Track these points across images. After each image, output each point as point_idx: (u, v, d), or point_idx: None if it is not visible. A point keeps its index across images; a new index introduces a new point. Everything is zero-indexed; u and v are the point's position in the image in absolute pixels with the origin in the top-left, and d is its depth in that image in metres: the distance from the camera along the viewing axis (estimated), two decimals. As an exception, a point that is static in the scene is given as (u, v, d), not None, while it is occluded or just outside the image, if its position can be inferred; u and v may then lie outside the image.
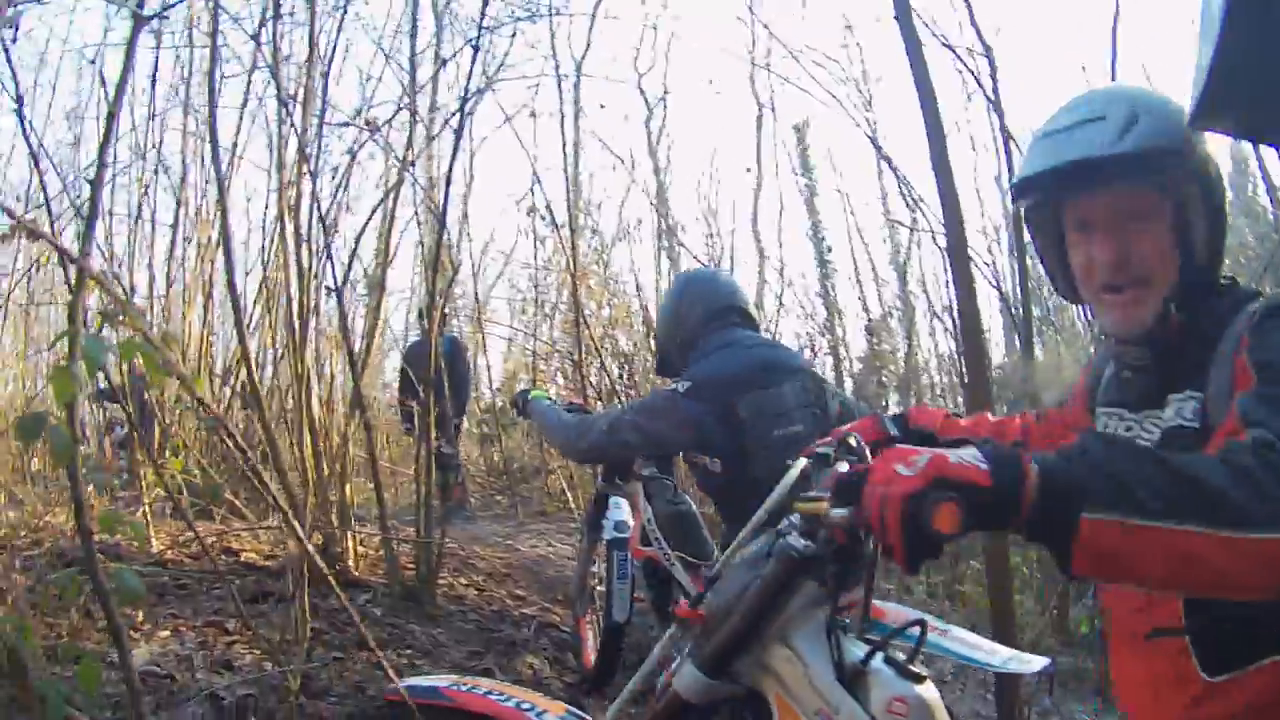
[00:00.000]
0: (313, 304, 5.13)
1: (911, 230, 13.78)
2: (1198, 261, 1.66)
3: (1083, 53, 33.71)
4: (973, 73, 7.19)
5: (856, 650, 1.72)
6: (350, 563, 4.87)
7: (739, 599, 1.77)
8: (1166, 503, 1.23)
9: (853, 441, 2.09)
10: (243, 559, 4.76)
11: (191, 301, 6.77)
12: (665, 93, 14.82)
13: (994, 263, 12.74)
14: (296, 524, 2.85)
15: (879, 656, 1.70)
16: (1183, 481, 1.25)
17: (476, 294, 10.06)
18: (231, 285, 4.63)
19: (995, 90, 7.17)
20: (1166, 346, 1.69)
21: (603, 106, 25.64)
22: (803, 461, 2.09)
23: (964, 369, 6.65)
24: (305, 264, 5.01)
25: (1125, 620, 1.75)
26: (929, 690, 1.68)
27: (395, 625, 4.48)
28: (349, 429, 5.48)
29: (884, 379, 13.11)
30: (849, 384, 12.41)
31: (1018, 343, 10.79)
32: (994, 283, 9.88)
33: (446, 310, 8.42)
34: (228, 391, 6.22)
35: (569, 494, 8.29)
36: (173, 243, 6.90)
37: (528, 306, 11.96)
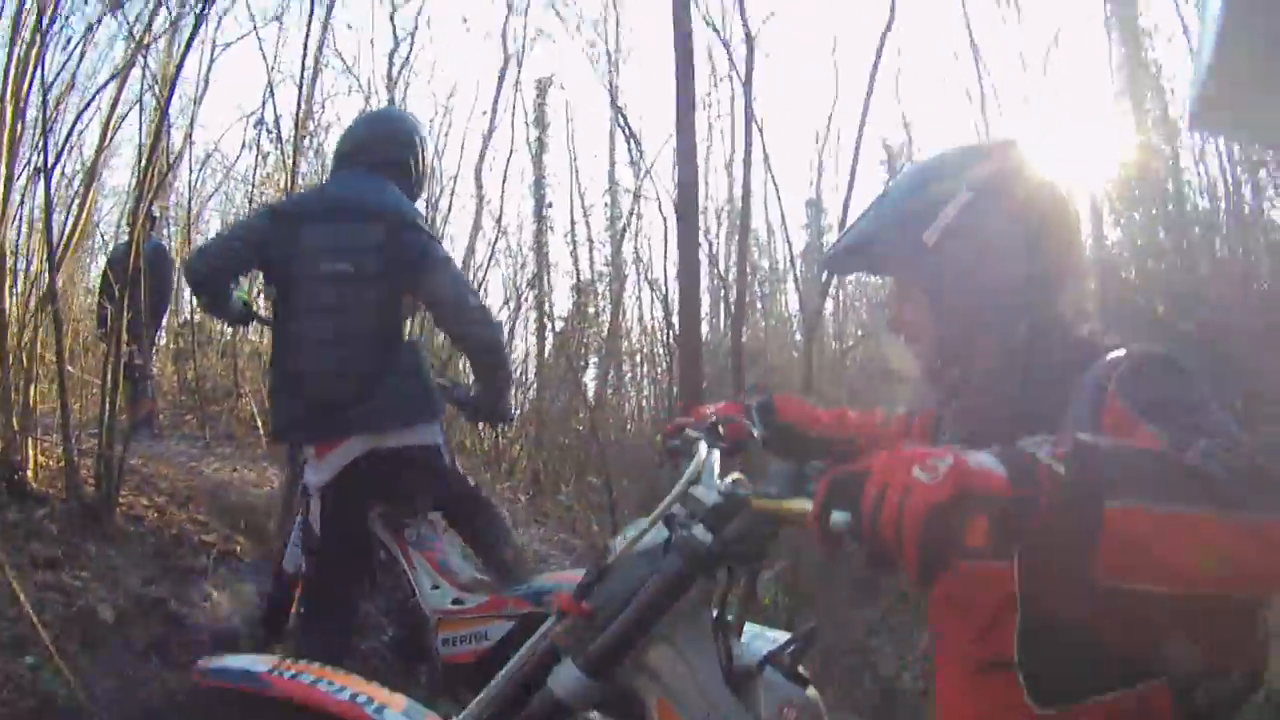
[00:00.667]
0: (18, 181, 4.97)
1: (636, 197, 14.23)
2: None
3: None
4: (731, 58, 7.42)
5: (746, 654, 1.71)
6: (30, 473, 4.77)
7: (632, 594, 1.65)
8: (1179, 490, 1.23)
9: (721, 430, 2.13)
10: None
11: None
12: (415, 29, 14.55)
13: (712, 244, 13.35)
14: None
15: (768, 661, 1.70)
16: (1183, 470, 1.26)
17: (190, 204, 9.71)
18: None
19: (749, 76, 7.40)
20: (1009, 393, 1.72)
21: (350, 27, 24.75)
22: (704, 450, 1.85)
23: (678, 335, 6.98)
24: (16, 136, 4.82)
25: (959, 650, 1.73)
26: (814, 695, 1.72)
27: (72, 544, 4.43)
28: (39, 326, 5.31)
29: (586, 340, 13.48)
30: (549, 340, 12.66)
31: (724, 321, 11.27)
32: (712, 260, 10.38)
33: (156, 215, 8.18)
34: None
35: (259, 419, 8.23)
36: None
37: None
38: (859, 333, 16.33)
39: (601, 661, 1.65)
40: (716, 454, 1.94)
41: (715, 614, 1.70)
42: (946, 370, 1.80)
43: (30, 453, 4.81)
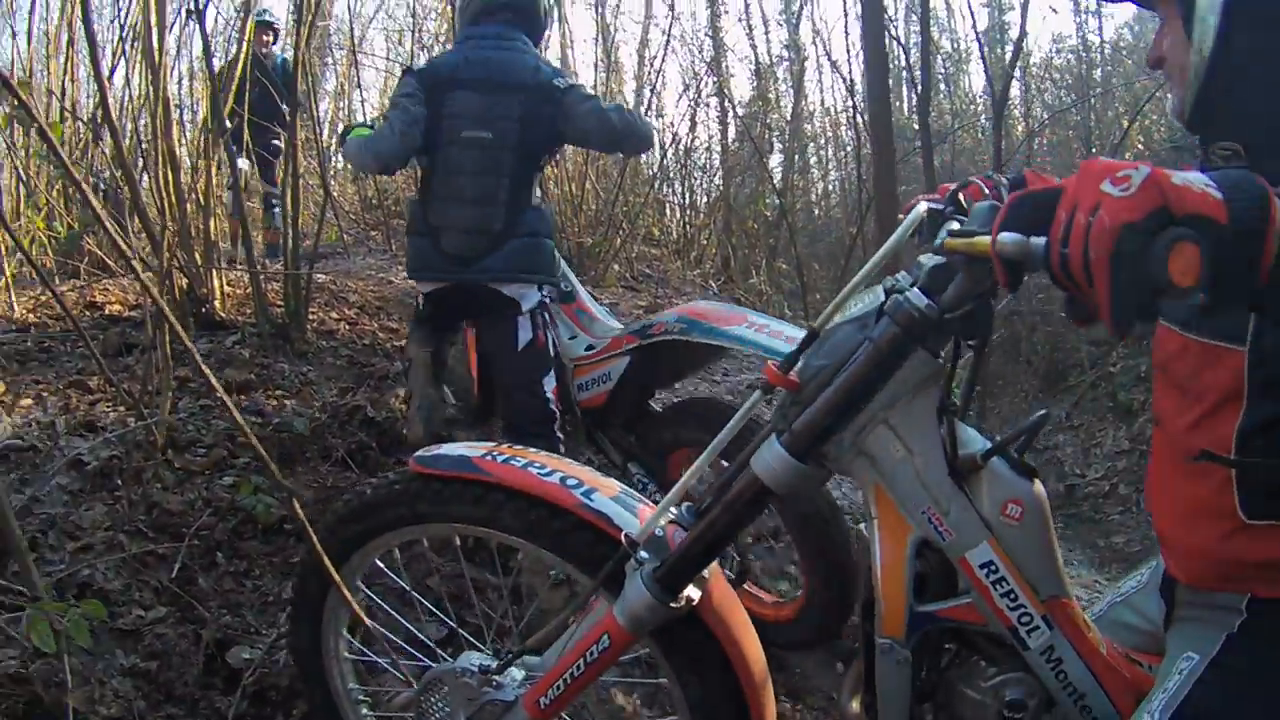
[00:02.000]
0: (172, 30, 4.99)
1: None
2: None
3: None
4: None
5: (970, 441, 1.56)
6: (217, 303, 4.90)
7: (842, 366, 1.53)
8: None
9: (963, 200, 1.88)
10: (108, 312, 4.76)
11: (54, 53, 6.48)
12: None
13: (893, 20, 12.61)
14: (141, 267, 2.86)
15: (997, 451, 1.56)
16: None
17: (352, 27, 9.62)
18: (87, 22, 4.42)
19: None
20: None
21: None
22: (923, 206, 1.68)
23: (869, 117, 6.67)
24: None
25: (1174, 436, 1.53)
26: (1040, 488, 1.56)
27: (264, 365, 4.57)
28: (212, 162, 5.39)
29: (770, 123, 12.97)
30: (733, 126, 12.27)
31: (912, 101, 10.70)
32: (895, 38, 9.80)
33: (278, 27, 8.07)
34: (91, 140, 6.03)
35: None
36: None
37: (405, 38, 11.54)
38: (1044, 115, 15.43)
39: (807, 440, 1.55)
40: (950, 219, 1.68)
41: (940, 397, 1.54)
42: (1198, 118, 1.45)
43: (216, 284, 4.92)
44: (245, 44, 5.31)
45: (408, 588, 2.31)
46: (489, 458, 1.98)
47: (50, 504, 3.09)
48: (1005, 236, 1.14)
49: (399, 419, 4.33)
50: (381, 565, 2.26)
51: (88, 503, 3.16)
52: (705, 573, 1.73)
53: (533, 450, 2.03)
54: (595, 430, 3.94)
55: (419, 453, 2.07)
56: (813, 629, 3.40)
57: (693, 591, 1.72)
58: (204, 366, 2.54)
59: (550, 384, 3.68)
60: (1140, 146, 14.41)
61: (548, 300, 3.77)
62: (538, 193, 3.79)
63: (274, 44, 7.57)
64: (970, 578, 1.55)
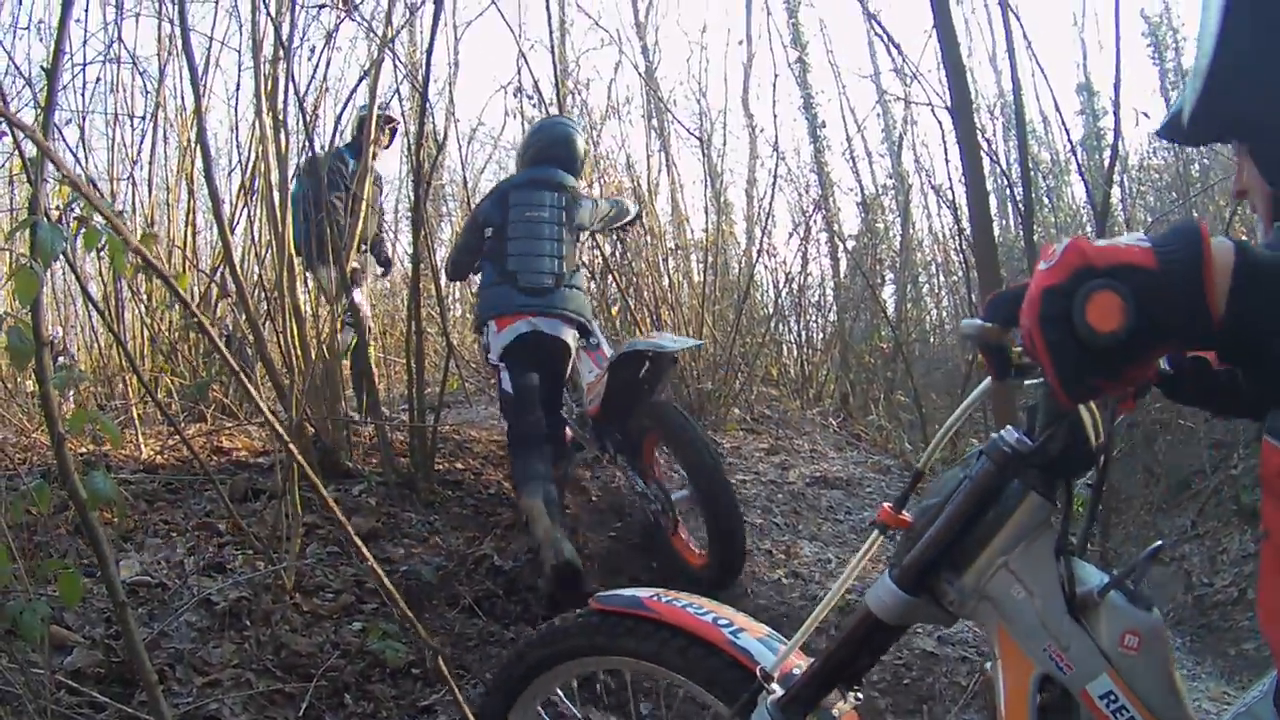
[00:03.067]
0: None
1: (907, 103, 13.69)
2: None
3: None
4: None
5: (1087, 578, 1.57)
6: (343, 453, 4.88)
7: (945, 503, 1.61)
8: None
9: None
10: (234, 458, 4.76)
11: (175, 202, 6.71)
12: (655, -34, 14.54)
13: (990, 140, 12.75)
14: (273, 419, 2.83)
15: (1108, 584, 1.54)
16: None
17: (465, 179, 9.85)
18: (209, 177, 4.55)
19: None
20: None
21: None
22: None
23: (972, 237, 6.63)
24: (284, 149, 4.92)
25: (1275, 543, 1.38)
26: (1158, 618, 1.55)
27: (391, 514, 4.51)
28: (338, 318, 5.46)
29: (880, 255, 13.05)
30: (844, 260, 12.33)
31: (1017, 219, 10.71)
32: (992, 158, 9.85)
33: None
34: (215, 291, 6.17)
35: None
36: (152, 144, 6.79)
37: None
38: (1148, 219, 15.39)
39: (915, 573, 1.62)
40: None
41: (1056, 538, 1.57)
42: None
43: (341, 435, 4.90)
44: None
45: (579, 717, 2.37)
46: (656, 598, 2.15)
47: (179, 640, 3.04)
48: (965, 322, 1.31)
49: (524, 567, 4.24)
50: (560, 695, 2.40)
51: (216, 640, 3.10)
52: (835, 711, 1.79)
53: (692, 595, 2.20)
54: (600, 432, 5.01)
55: (600, 593, 2.24)
56: (716, 571, 4.47)
57: None
58: (335, 508, 2.50)
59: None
60: (1244, 235, 14.16)
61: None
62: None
63: (390, 143, 7.42)
64: (1091, 708, 1.53)
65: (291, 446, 2.64)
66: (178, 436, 3.88)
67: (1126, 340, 1.01)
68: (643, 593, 2.20)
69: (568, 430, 5.16)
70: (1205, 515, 9.80)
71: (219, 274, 5.85)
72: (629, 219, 5.78)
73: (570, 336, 4.90)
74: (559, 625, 2.26)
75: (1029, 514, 1.57)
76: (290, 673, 3.05)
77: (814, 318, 11.53)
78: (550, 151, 5.15)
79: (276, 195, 4.68)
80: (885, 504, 1.71)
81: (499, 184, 5.29)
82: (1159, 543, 1.70)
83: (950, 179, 12.83)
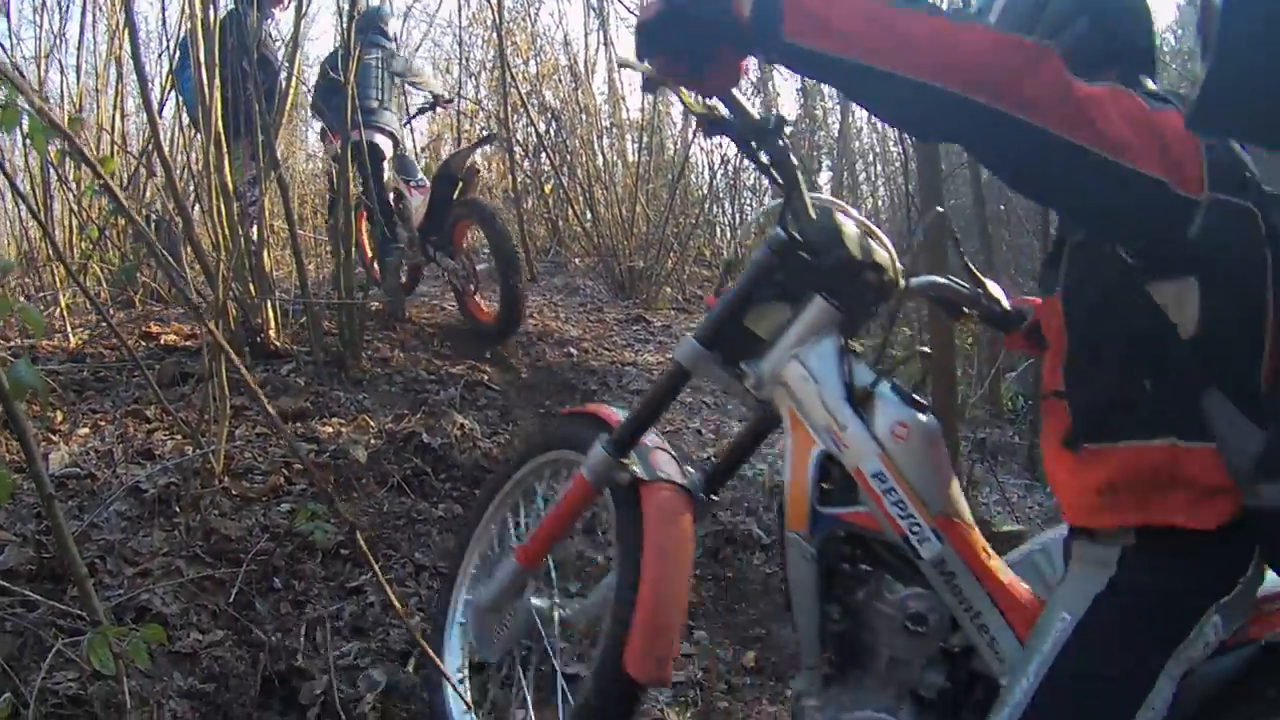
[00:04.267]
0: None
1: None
2: None
3: None
4: None
5: (865, 375, 1.96)
6: (272, 333, 4.91)
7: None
8: None
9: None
10: (163, 342, 4.77)
11: (103, 87, 6.59)
12: None
13: None
14: (191, 301, 2.86)
15: (886, 383, 1.94)
16: None
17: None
18: (136, 57, 4.44)
19: None
20: None
21: None
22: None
23: None
24: (214, 24, 4.80)
25: (1044, 380, 1.82)
26: (929, 419, 1.91)
27: (319, 393, 4.57)
28: (266, 192, 5.43)
29: (818, 141, 13.08)
30: None
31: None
32: None
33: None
34: (143, 175, 6.08)
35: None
36: (80, 29, 6.68)
37: (452, 66, 11.61)
38: None
39: (711, 332, 2.10)
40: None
41: (841, 340, 1.98)
42: None
43: (270, 315, 4.92)
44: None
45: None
46: (603, 405, 2.54)
47: (109, 531, 3.10)
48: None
49: (454, 445, 4.33)
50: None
51: (146, 529, 3.17)
52: (661, 469, 2.23)
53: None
54: (425, 241, 6.23)
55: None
56: (502, 324, 5.75)
57: (638, 467, 2.21)
58: (257, 388, 2.56)
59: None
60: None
61: None
62: None
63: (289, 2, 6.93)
64: (865, 486, 1.86)
65: (211, 326, 2.68)
66: (106, 323, 3.88)
67: (660, 18, 1.49)
68: (601, 405, 2.55)
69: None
70: None
71: (147, 157, 5.78)
72: (430, 90, 7.03)
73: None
74: (545, 426, 2.78)
75: (816, 315, 2.00)
76: (220, 558, 3.12)
77: (749, 201, 11.52)
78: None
79: (204, 73, 4.59)
80: (710, 295, 2.29)
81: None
82: (924, 349, 2.68)
83: None
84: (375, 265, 6.45)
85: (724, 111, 1.96)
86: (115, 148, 5.97)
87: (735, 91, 1.89)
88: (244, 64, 4.97)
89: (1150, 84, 1.77)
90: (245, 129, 5.06)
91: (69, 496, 3.25)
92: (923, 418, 1.90)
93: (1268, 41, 1.23)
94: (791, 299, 2.05)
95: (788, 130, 2.04)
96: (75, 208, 5.57)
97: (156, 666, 2.51)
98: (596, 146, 9.02)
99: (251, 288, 4.82)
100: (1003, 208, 12.56)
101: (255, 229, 4.93)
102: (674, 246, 8.73)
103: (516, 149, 8.76)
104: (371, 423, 4.42)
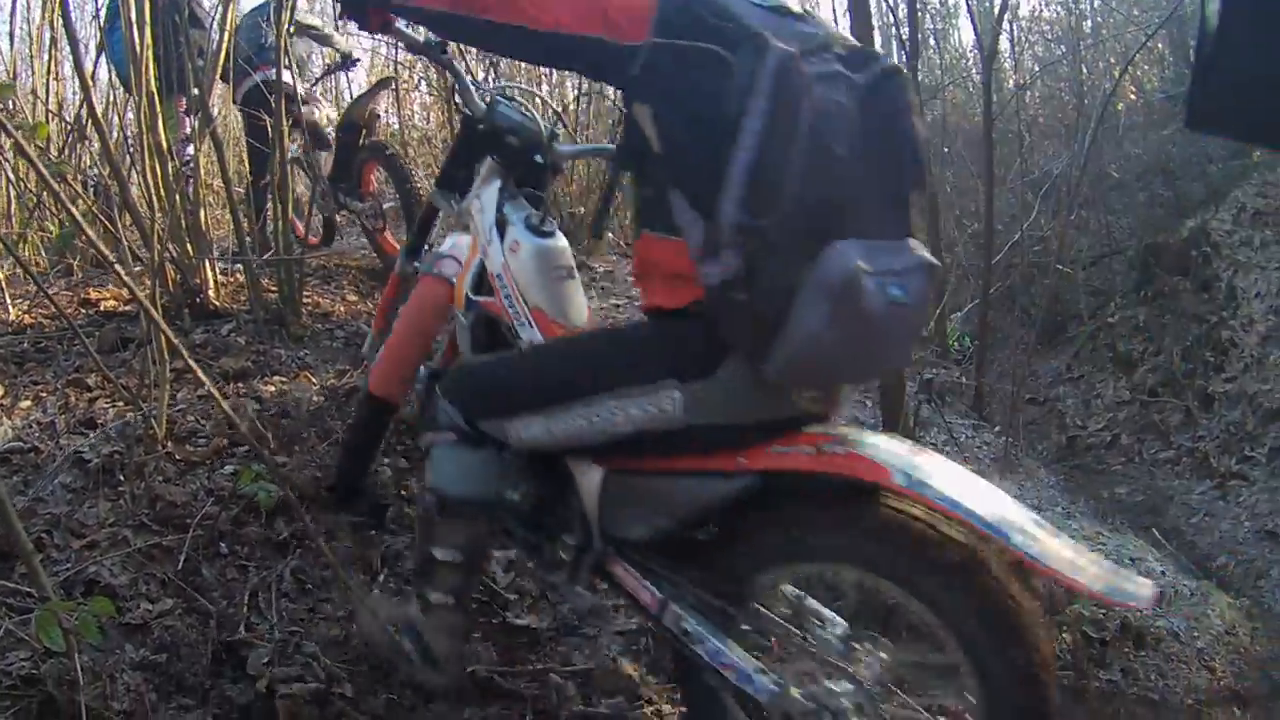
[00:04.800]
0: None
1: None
2: None
3: None
4: None
5: (514, 211, 2.80)
6: (211, 293, 4.94)
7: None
8: None
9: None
10: (103, 309, 4.79)
11: (37, 52, 6.50)
12: None
13: None
14: (133, 261, 2.88)
15: (520, 214, 2.76)
16: None
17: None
18: (67, 19, 4.42)
19: None
20: None
21: None
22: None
23: None
24: None
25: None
26: (547, 242, 2.72)
27: (261, 351, 4.61)
28: (200, 149, 5.42)
29: None
30: None
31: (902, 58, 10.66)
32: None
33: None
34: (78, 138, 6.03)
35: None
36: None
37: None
38: (1036, 67, 15.36)
39: (444, 178, 3.20)
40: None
41: (502, 186, 2.88)
42: None
43: (209, 274, 4.95)
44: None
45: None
46: None
47: (54, 504, 3.15)
48: None
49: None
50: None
51: (91, 500, 3.22)
52: (431, 266, 3.26)
53: None
54: (335, 190, 6.50)
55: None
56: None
57: (420, 264, 3.42)
58: (189, 358, 2.61)
59: None
60: (1133, 96, 14.33)
61: None
62: None
63: None
64: (493, 283, 2.75)
65: (134, 287, 2.69)
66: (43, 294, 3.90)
67: None
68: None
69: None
70: (1080, 360, 10.15)
71: (80, 122, 5.74)
72: (334, 48, 7.19)
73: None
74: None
75: (488, 168, 2.95)
76: (166, 525, 3.17)
77: None
78: None
79: (135, 33, 4.55)
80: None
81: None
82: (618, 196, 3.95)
83: (834, 14, 12.72)
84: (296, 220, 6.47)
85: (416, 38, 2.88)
86: (49, 114, 5.92)
87: (398, 28, 2.68)
88: (174, 20, 4.95)
89: None
90: (178, 87, 5.06)
91: (13, 471, 3.29)
92: (539, 241, 2.69)
93: (1257, 46, 1.31)
94: (481, 157, 2.99)
95: (450, 47, 3.00)
96: (12, 178, 5.54)
97: (108, 640, 2.58)
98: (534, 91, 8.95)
99: (189, 248, 4.84)
100: (947, 150, 12.59)
101: (192, 188, 4.94)
102: (616, 192, 8.62)
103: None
104: (313, 379, 4.48)
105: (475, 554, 2.64)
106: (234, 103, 6.63)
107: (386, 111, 8.18)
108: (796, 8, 2.14)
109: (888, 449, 1.99)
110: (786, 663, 2.17)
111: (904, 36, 7.90)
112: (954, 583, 1.95)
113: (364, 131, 6.43)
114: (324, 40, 6.98)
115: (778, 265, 1.85)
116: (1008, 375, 8.56)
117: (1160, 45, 14.26)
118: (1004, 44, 15.10)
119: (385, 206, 6.43)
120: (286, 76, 5.77)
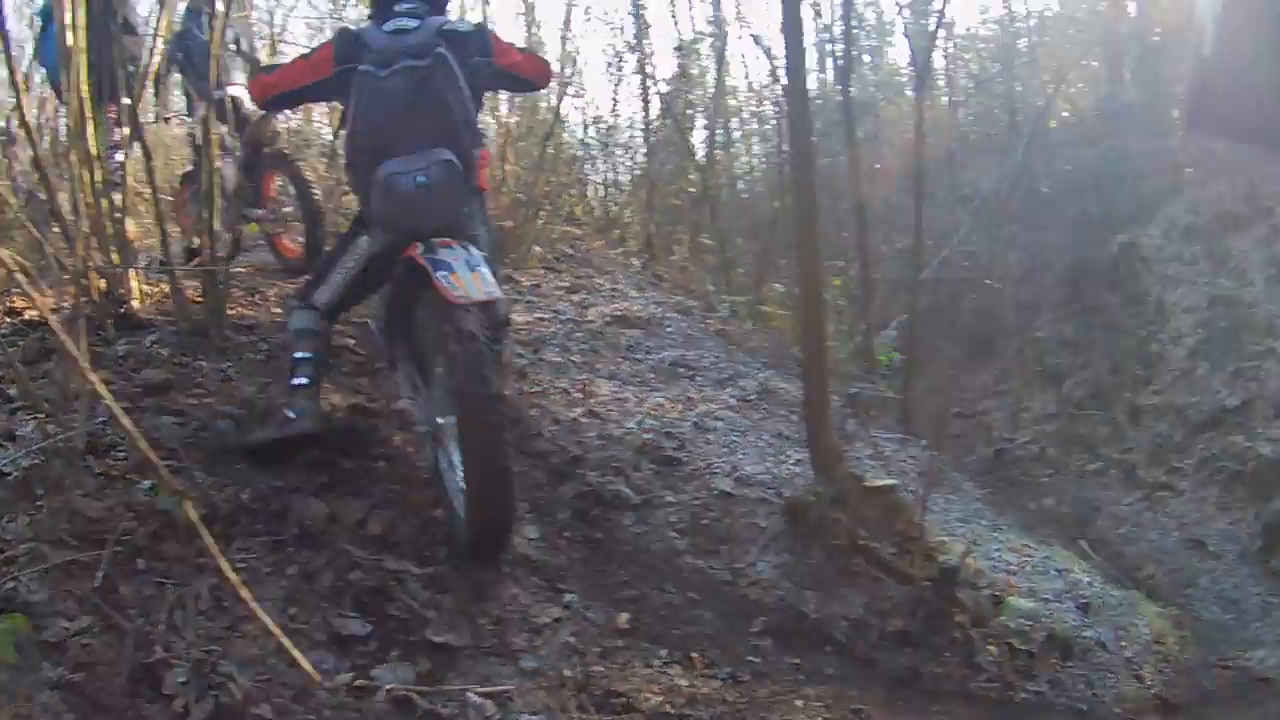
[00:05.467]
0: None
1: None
2: None
3: None
4: None
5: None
6: (136, 303, 4.92)
7: None
8: None
9: None
10: (27, 318, 4.74)
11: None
12: None
13: None
14: (26, 281, 2.86)
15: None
16: None
17: (272, 17, 9.56)
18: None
19: None
20: None
21: None
22: None
23: (785, 90, 6.78)
24: None
25: None
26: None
27: (183, 364, 4.61)
28: (127, 159, 5.41)
29: (692, 100, 13.15)
30: (655, 101, 12.41)
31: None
32: (815, 10, 10.03)
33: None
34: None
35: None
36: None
37: (325, 26, 11.44)
38: (971, 85, 15.70)
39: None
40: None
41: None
42: None
43: (134, 284, 4.94)
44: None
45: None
46: None
47: (-27, 518, 3.14)
48: None
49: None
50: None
51: (10, 514, 3.21)
52: None
53: None
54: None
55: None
56: (307, 259, 6.16)
57: None
58: (89, 375, 2.63)
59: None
60: (1066, 114, 14.67)
61: None
62: None
63: None
64: None
65: (42, 304, 2.70)
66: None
67: None
68: None
69: None
70: (1008, 374, 10.39)
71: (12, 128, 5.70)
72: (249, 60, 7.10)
73: None
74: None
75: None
76: (85, 540, 3.16)
77: (623, 158, 11.58)
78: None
79: (70, 36, 4.53)
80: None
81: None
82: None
83: (770, 28, 12.93)
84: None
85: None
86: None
87: None
88: (109, 27, 4.96)
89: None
90: (109, 94, 5.05)
91: (-72, 493, 3.26)
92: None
93: (1257, 51, 1.38)
94: None
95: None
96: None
97: (25, 658, 2.57)
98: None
99: (115, 257, 4.83)
100: (878, 166, 12.76)
101: (119, 196, 4.93)
102: (545, 205, 8.77)
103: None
104: (236, 391, 4.50)
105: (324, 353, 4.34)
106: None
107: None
108: (410, 25, 3.96)
109: (441, 254, 3.68)
110: None
111: (839, 53, 8.06)
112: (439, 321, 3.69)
113: (264, 148, 6.61)
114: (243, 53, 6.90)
115: (359, 175, 4.00)
116: (935, 389, 8.73)
117: (1094, 63, 14.64)
118: (940, 62, 15.41)
119: (285, 209, 6.63)
120: (238, 90, 6.33)
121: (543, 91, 7.36)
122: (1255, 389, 8.54)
